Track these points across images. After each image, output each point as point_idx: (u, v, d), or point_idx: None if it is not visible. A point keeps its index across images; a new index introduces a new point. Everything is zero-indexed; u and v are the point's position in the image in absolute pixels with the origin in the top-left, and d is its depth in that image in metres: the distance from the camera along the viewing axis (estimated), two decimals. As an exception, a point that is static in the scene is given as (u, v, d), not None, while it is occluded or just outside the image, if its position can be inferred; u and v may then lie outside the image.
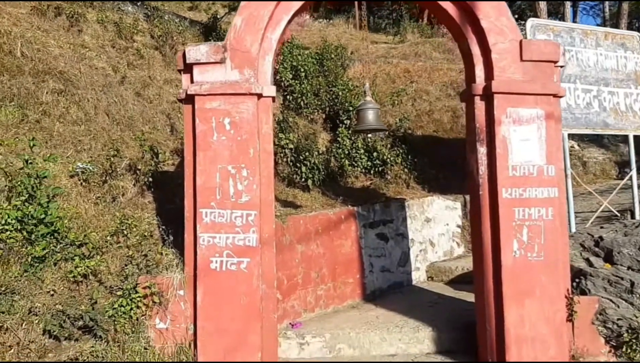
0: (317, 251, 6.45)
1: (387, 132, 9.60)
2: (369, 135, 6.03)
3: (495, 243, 5.02)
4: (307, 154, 7.91)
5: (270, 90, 5.04)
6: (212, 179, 4.86)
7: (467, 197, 8.98)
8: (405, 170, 8.99)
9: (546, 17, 18.42)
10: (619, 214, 7.36)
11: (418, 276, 7.81)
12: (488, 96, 5.13)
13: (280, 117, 8.59)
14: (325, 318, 6.10)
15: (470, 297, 6.67)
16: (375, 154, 9.04)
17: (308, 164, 7.85)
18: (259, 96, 4.95)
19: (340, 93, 10.13)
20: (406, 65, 13.42)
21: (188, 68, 5.02)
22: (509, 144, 5.04)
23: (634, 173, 7.39)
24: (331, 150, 9.19)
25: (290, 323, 5.82)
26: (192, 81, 4.99)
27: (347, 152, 9.05)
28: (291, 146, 7.83)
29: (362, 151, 9.12)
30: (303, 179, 7.83)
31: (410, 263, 7.72)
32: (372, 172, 9.00)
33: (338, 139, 9.28)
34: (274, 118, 8.70)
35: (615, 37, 7.61)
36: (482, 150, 5.18)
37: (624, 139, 11.84)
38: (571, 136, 11.37)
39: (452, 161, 9.85)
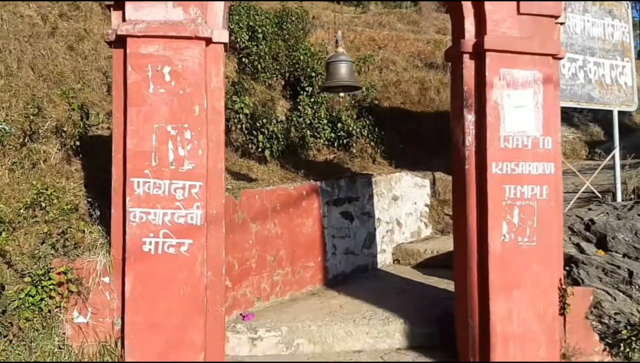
0: (274, 231, 5.64)
1: (352, 102, 8.81)
2: (340, 95, 5.15)
3: (481, 225, 4.33)
4: (264, 121, 7.03)
5: (222, 35, 4.14)
6: (146, 142, 3.95)
7: (437, 174, 8.35)
8: (372, 143, 8.25)
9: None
10: (600, 196, 6.83)
11: (384, 259, 7.12)
12: (479, 54, 4.38)
13: (234, 79, 7.66)
14: (281, 308, 5.32)
15: (441, 284, 6.03)
16: (339, 125, 8.25)
17: (266, 132, 6.99)
18: (208, 41, 4.05)
19: (301, 57, 9.23)
20: (371, 33, 12.62)
21: (119, 3, 4.05)
22: (501, 110, 4.32)
23: (617, 151, 6.85)
24: (291, 119, 8.33)
25: (241, 315, 5.01)
26: (124, 20, 4.03)
27: (308, 122, 8.23)
28: (247, 110, 6.93)
29: (325, 121, 8.32)
30: (259, 150, 6.97)
31: (376, 245, 7.02)
32: (335, 145, 8.22)
33: (299, 107, 8.44)
34: (228, 80, 7.77)
35: (603, 4, 6.99)
36: (469, 118, 4.44)
37: (594, 118, 11.52)
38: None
39: (420, 136, 9.20)
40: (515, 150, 4.31)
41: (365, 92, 8.93)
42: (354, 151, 8.19)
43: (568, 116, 10.99)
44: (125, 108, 4.01)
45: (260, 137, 6.91)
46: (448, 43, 12.92)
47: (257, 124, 6.96)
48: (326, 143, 8.24)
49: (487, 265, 4.24)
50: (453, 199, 4.79)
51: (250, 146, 7.04)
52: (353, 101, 8.75)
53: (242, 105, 6.86)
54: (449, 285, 5.97)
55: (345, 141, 8.16)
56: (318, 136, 8.18)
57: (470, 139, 4.42)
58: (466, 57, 4.45)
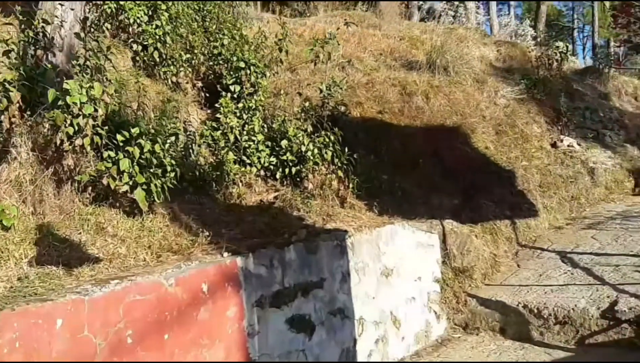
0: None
1: (304, 107, 5.45)
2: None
3: None
4: (135, 131, 3.55)
5: None
6: None
7: (446, 224, 5.07)
8: (339, 173, 4.90)
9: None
10: None
11: (372, 399, 3.71)
12: None
13: (86, 55, 4.12)
14: None
15: None
16: (284, 143, 4.89)
17: (137, 152, 3.51)
18: None
19: (225, 42, 5.89)
20: (325, 27, 9.41)
21: None
22: None
23: None
24: (202, 134, 4.93)
25: None
26: None
27: (233, 139, 4.85)
28: (101, 110, 3.45)
29: (262, 137, 4.96)
30: (126, 186, 3.49)
31: (358, 373, 3.61)
32: (278, 176, 4.84)
33: (218, 115, 5.06)
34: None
35: None
36: None
37: (627, 137, 8.66)
38: (567, 132, 7.91)
39: (411, 160, 5.93)
40: None
41: (326, 92, 5.60)
42: (310, 186, 4.82)
43: (598, 135, 8.10)
44: None
45: (125, 163, 3.42)
46: (428, 41, 9.86)
47: (118, 139, 3.46)
48: (263, 172, 4.87)
49: None
50: None
51: (111, 179, 3.53)
52: (306, 104, 5.39)
53: (88, 98, 3.36)
54: None
55: (294, 169, 4.80)
56: (249, 161, 4.79)
57: None
58: None
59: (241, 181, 4.71)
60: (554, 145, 7.47)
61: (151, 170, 3.58)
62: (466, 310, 4.57)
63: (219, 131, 4.86)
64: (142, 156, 3.54)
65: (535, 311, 4.24)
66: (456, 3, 16.67)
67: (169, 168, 3.67)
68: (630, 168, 7.66)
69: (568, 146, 7.42)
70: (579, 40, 38.57)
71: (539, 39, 14.19)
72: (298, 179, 4.88)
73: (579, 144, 7.54)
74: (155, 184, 3.55)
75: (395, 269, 4.21)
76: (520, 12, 32.07)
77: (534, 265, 5.12)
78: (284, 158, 4.87)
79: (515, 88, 8.17)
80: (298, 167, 4.84)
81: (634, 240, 5.14)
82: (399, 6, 15.03)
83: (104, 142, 3.60)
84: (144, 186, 3.51)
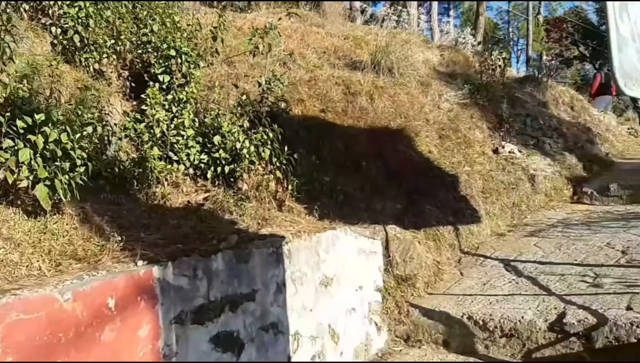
0: None
1: (239, 102, 5.05)
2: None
3: None
4: (40, 117, 3.04)
5: None
6: None
7: (389, 230, 4.79)
8: (278, 173, 4.53)
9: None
10: None
11: (307, 422, 3.36)
12: None
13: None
14: None
15: None
16: (218, 139, 4.48)
17: (41, 142, 3.01)
18: None
19: (155, 28, 5.40)
20: (266, 20, 9.04)
21: None
22: None
23: None
24: (125, 126, 4.46)
25: None
26: None
27: (160, 133, 4.39)
28: (-5, 93, 2.94)
29: (192, 132, 4.52)
30: (27, 181, 2.99)
31: (292, 394, 3.25)
32: (209, 175, 4.42)
33: (144, 107, 4.58)
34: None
35: None
36: None
37: (565, 146, 8.76)
38: (508, 138, 7.87)
39: (354, 162, 5.64)
40: None
41: (265, 85, 5.21)
42: (245, 187, 4.43)
43: (538, 142, 8.13)
44: None
45: (25, 153, 2.92)
46: (372, 42, 9.63)
47: (16, 125, 2.95)
48: (192, 170, 4.43)
49: None
50: None
51: (4, 172, 3.01)
52: (243, 98, 4.99)
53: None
54: None
55: (227, 168, 4.40)
56: (176, 158, 4.35)
57: None
58: None
59: (167, 180, 4.26)
60: (495, 151, 7.40)
61: (57, 163, 3.09)
62: (408, 321, 4.30)
63: (143, 124, 4.39)
64: (47, 147, 3.05)
65: (481, 323, 4.02)
66: (399, 8, 16.66)
67: (79, 162, 3.18)
68: (569, 176, 7.71)
69: (509, 152, 7.37)
70: (513, 53, 39.89)
71: (479, 47, 14.41)
72: (232, 179, 4.48)
73: (520, 151, 7.51)
74: (61, 180, 3.06)
75: (336, 278, 3.88)
76: (459, 22, 32.91)
77: (477, 273, 4.93)
78: (217, 155, 4.45)
79: (459, 93, 8.08)
80: (232, 166, 4.44)
81: (577, 248, 5.05)
82: (343, 8, 14.88)
83: (3, 130, 3.10)
84: (47, 182, 3.02)
